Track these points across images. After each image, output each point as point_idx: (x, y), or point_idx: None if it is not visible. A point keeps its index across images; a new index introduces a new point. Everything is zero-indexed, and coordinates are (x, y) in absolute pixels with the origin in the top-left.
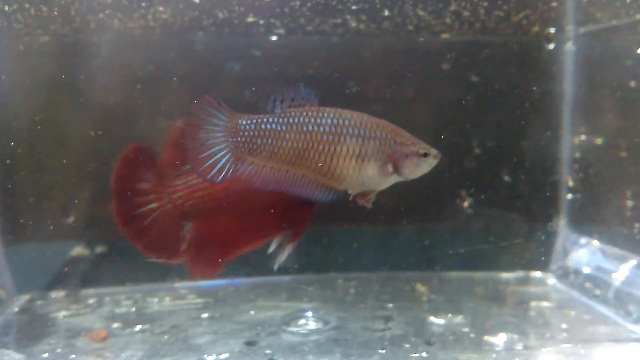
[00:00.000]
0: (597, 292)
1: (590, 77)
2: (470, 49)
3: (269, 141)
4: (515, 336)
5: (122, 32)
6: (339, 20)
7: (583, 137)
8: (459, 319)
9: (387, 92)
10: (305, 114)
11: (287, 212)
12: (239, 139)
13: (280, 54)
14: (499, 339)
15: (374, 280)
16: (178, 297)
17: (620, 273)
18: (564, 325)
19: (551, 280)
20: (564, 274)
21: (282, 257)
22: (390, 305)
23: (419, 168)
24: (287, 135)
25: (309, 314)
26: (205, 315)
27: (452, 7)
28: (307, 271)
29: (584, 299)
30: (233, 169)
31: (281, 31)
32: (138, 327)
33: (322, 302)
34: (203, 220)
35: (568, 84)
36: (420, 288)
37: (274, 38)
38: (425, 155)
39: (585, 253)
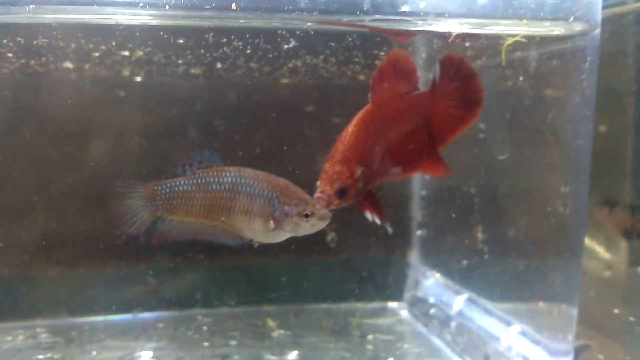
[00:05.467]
0: (435, 323)
1: None
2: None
3: (183, 201)
4: None
5: None
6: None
7: (427, 176)
8: (293, 355)
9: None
10: (210, 174)
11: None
12: (157, 202)
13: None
14: None
15: (231, 316)
16: (32, 336)
17: (455, 306)
18: (390, 359)
19: (403, 312)
20: (414, 305)
21: None
22: (234, 342)
23: (300, 227)
24: (197, 195)
25: (148, 353)
26: (47, 355)
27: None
28: (172, 308)
29: (424, 331)
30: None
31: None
32: None
33: (169, 341)
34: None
35: None
36: (270, 323)
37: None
38: (307, 216)
39: (430, 285)
